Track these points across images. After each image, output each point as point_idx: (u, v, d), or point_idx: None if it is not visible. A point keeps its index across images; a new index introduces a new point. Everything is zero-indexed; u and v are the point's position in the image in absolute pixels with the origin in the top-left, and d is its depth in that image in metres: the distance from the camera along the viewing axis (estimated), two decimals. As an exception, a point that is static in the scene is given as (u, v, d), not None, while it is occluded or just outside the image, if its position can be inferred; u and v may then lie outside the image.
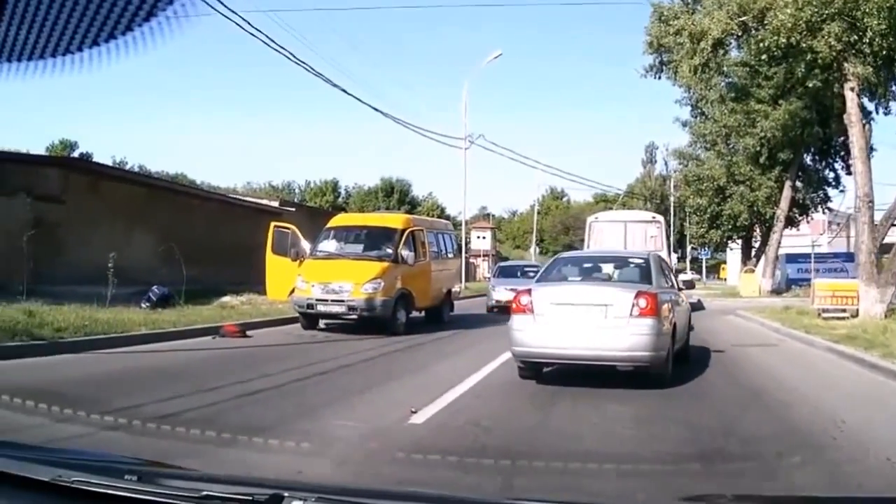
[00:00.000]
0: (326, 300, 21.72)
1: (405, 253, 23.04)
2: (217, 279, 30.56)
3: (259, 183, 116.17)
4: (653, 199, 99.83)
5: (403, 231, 23.75)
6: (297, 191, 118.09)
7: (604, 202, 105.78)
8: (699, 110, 52.95)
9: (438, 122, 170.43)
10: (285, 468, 7.11)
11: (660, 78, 35.40)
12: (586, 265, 16.24)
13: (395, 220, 25.86)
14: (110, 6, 2.66)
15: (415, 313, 24.12)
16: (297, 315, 22.79)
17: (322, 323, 22.91)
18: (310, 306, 21.98)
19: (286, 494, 2.99)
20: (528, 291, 13.55)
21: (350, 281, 21.61)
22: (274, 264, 25.88)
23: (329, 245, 23.88)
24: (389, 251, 22.89)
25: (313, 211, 59.17)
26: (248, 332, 20.12)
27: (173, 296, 23.98)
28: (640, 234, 32.70)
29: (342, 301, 21.59)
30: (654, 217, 37.13)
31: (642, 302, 12.60)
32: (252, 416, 9.84)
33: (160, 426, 8.29)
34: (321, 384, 13.23)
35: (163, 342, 17.53)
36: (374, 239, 23.85)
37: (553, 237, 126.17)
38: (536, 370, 13.54)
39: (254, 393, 11.48)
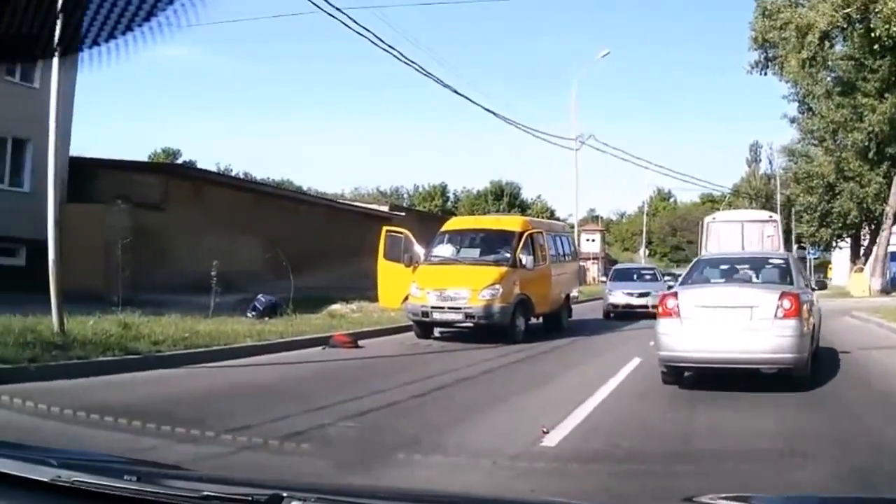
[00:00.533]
0: (442, 307, 20.89)
1: (524, 257, 22.14)
2: (325, 286, 30.20)
3: (367, 188, 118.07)
4: (758, 199, 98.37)
5: (521, 234, 22.74)
6: (405, 195, 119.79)
7: (710, 202, 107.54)
8: (806, 106, 52.88)
9: (545, 123, 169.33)
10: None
11: (765, 74, 35.65)
12: (727, 266, 15.97)
13: (512, 222, 25.12)
14: (111, 5, 2.57)
15: (532, 320, 23.15)
16: (411, 323, 22.01)
17: (436, 331, 22.18)
18: (425, 314, 21.15)
19: (285, 495, 2.93)
20: (675, 294, 13.48)
21: (467, 287, 20.76)
22: (386, 270, 25.19)
23: (444, 250, 23.07)
24: (507, 255, 21.97)
25: (423, 215, 59.75)
26: (360, 342, 19.32)
27: (281, 304, 23.45)
28: (757, 234, 31.86)
29: (459, 308, 20.77)
30: (770, 216, 36.27)
31: (786, 303, 12.44)
32: (367, 439, 9.14)
33: (280, 448, 7.84)
34: (441, 401, 12.31)
35: (269, 354, 16.83)
36: (491, 243, 22.89)
37: (661, 238, 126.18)
38: (678, 375, 13.27)
39: (369, 411, 10.60)
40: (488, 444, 9.04)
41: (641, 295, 32.15)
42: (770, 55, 35.67)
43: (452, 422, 10.37)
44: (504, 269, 21.44)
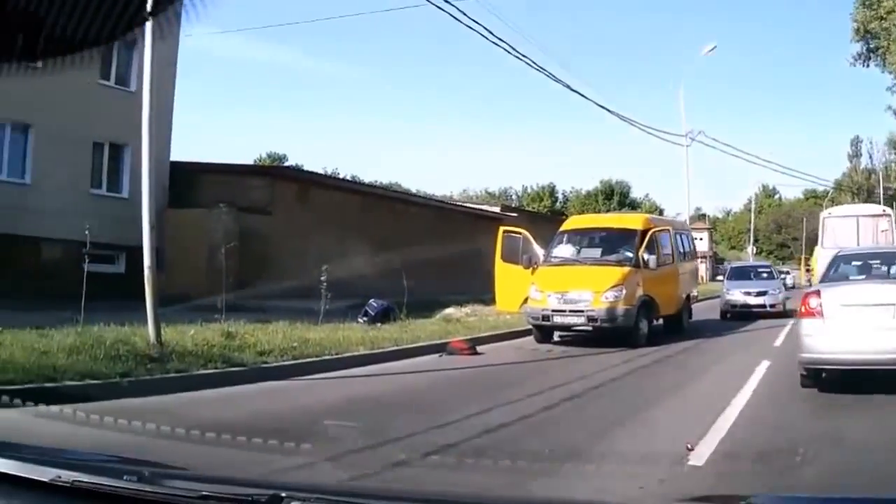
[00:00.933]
0: (564, 311, 20.25)
1: (647, 256, 21.35)
2: (437, 289, 29.74)
3: (475, 190, 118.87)
4: (860, 194, 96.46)
5: (644, 232, 22.05)
6: (513, 196, 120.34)
7: (814, 198, 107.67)
8: (909, 97, 51.55)
9: (651, 121, 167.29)
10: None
11: (868, 66, 34.89)
12: (861, 262, 15.55)
13: (633, 220, 24.76)
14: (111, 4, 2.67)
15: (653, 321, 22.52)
16: (529, 327, 21.33)
17: (555, 335, 21.40)
18: (545, 318, 20.48)
19: (284, 495, 2.93)
20: (817, 293, 13.03)
21: (589, 289, 20.10)
22: (504, 272, 24.69)
23: (564, 250, 22.46)
24: (630, 255, 21.30)
25: (534, 216, 60.49)
26: (478, 349, 18.59)
27: (393, 309, 22.86)
28: (872, 228, 31.75)
29: (581, 311, 20.11)
30: (884, 210, 35.81)
31: None
32: (504, 457, 8.02)
33: (413, 469, 7.46)
34: (573, 413, 11.60)
35: (384, 363, 16.11)
36: (613, 242, 22.23)
37: (766, 236, 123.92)
38: (817, 378, 12.75)
39: (499, 427, 9.85)
40: (632, 463, 8.31)
41: (759, 294, 31.72)
42: (872, 46, 35.51)
43: (590, 437, 9.75)
44: (627, 269, 20.77)
